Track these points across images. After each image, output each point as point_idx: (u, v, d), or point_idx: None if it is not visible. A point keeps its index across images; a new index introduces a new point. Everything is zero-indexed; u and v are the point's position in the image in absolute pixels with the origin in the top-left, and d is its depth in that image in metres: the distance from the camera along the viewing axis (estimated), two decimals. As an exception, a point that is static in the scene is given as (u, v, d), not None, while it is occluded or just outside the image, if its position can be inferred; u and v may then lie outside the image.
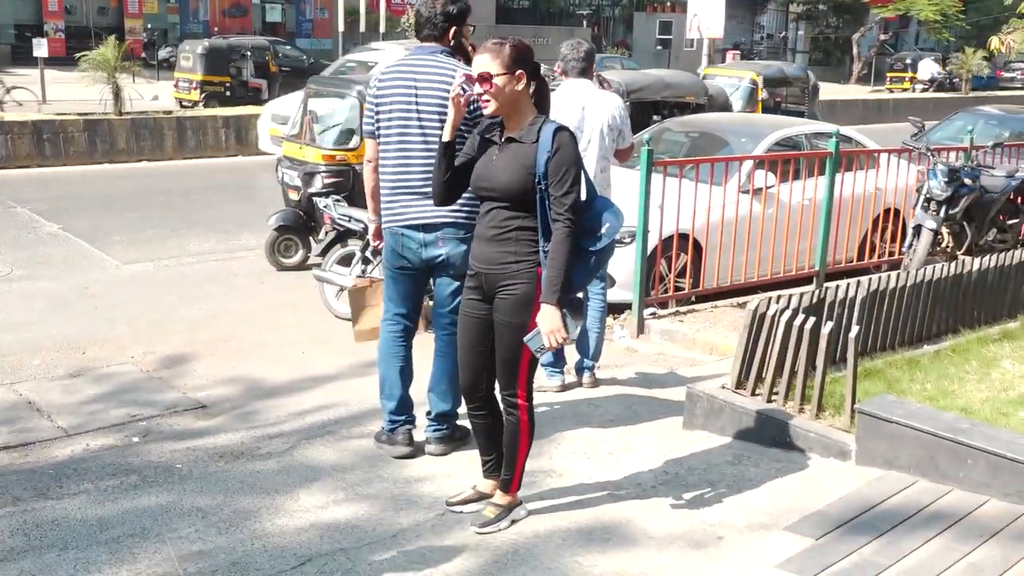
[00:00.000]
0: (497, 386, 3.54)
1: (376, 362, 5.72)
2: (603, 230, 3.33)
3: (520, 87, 3.28)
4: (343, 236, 7.12)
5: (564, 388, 5.26)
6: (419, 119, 3.95)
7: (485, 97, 3.25)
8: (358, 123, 8.17)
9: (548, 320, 3.22)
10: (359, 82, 8.47)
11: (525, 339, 3.28)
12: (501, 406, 3.56)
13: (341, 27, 24.11)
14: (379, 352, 4.28)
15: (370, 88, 4.14)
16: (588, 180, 3.37)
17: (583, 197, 3.32)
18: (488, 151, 3.39)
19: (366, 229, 6.85)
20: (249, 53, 19.84)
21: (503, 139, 3.34)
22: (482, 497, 3.70)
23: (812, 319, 4.44)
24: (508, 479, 3.60)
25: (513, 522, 3.59)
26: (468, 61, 3.97)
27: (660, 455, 4.34)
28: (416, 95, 3.95)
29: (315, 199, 7.84)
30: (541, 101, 3.37)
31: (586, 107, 5.13)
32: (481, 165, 3.38)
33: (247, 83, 19.60)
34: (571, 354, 5.55)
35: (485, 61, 3.25)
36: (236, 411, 5.13)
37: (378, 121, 4.08)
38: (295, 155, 8.47)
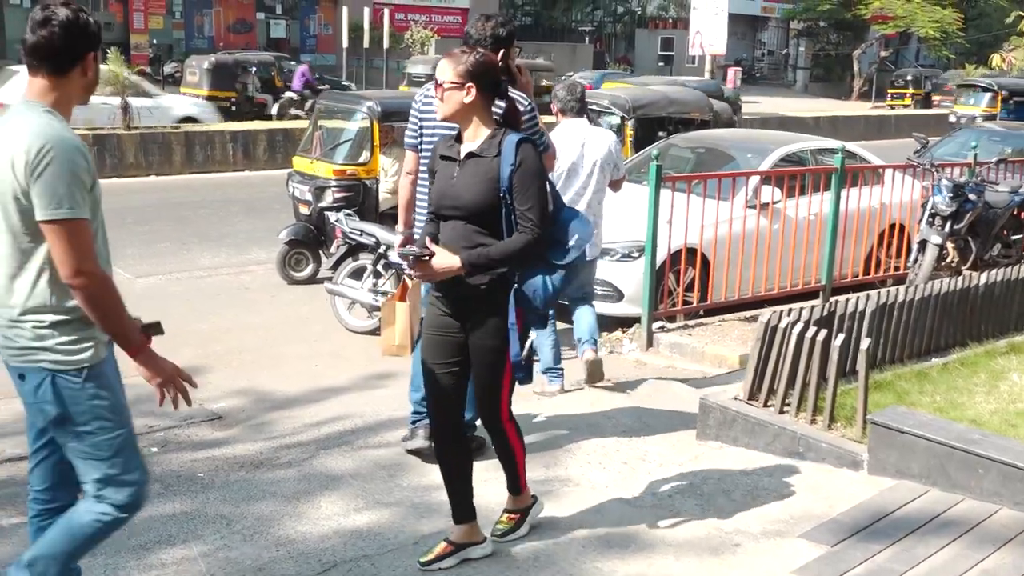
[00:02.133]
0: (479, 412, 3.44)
1: (389, 373, 5.80)
2: (571, 242, 3.25)
3: (468, 100, 3.19)
4: (354, 250, 7.21)
5: (564, 391, 5.41)
6: None
7: (436, 103, 3.28)
8: (369, 139, 8.29)
9: (442, 262, 3.13)
10: (369, 99, 8.58)
11: (398, 249, 3.26)
12: (482, 433, 3.46)
13: (345, 43, 24.24)
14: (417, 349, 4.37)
15: (415, 102, 4.27)
16: (555, 192, 3.36)
17: (550, 208, 3.25)
18: (446, 168, 3.29)
19: (377, 243, 6.96)
20: (255, 69, 19.98)
21: (463, 155, 3.27)
22: (458, 549, 3.41)
23: (823, 331, 4.51)
24: (516, 485, 3.58)
25: (532, 527, 3.64)
26: (514, 83, 4.05)
27: (675, 465, 4.40)
28: None
29: (326, 213, 7.94)
30: (510, 122, 3.29)
31: (585, 144, 5.53)
32: (442, 183, 3.28)
33: (253, 98, 19.74)
34: (571, 375, 5.63)
35: (443, 66, 3.25)
36: (252, 422, 5.19)
37: (421, 136, 4.19)
38: (306, 169, 8.57)
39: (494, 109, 3.29)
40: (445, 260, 3.16)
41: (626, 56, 45.58)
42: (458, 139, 3.32)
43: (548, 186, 3.29)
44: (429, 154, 4.16)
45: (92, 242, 2.53)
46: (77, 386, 2.57)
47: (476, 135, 3.27)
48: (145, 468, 2.76)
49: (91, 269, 2.50)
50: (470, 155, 3.25)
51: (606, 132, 5.82)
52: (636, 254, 6.95)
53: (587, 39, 42.08)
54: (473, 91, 3.21)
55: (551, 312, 5.62)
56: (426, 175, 4.16)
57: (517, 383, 3.35)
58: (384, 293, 6.74)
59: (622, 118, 10.39)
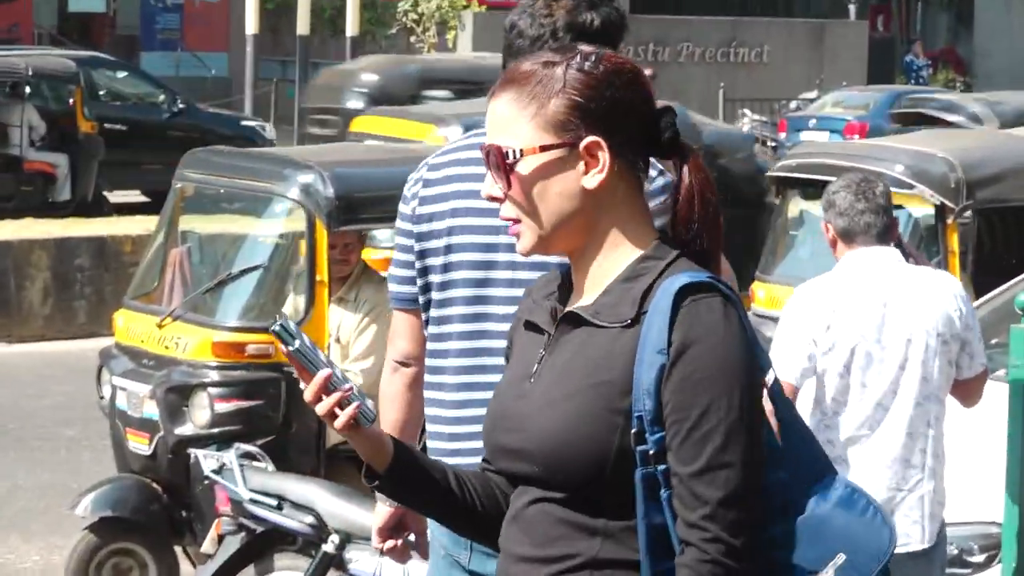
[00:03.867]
0: None
1: None
2: (829, 571, 3.14)
3: (596, 181, 3.11)
4: (261, 545, 7.31)
5: None
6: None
7: (506, 211, 3.16)
8: (307, 265, 8.45)
9: None
10: (306, 164, 8.75)
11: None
12: None
13: (251, 26, 25.07)
14: None
15: (406, 200, 4.50)
16: (770, 432, 3.10)
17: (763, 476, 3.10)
18: (526, 352, 3.33)
19: (319, 528, 7.03)
20: (25, 87, 20.68)
21: (558, 317, 3.23)
22: None
23: None
24: None
25: None
26: None
27: None
28: None
29: (195, 454, 8.06)
30: (688, 234, 3.18)
31: (891, 303, 5.81)
32: (508, 390, 3.35)
33: (19, 163, 20.30)
34: None
35: (502, 116, 3.19)
36: None
37: (427, 273, 4.41)
38: (146, 344, 8.75)
39: (651, 201, 3.29)
40: None
41: (952, 48, 46.44)
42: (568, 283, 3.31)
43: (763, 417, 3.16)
44: (447, 313, 4.38)
45: None
46: None
47: (601, 269, 3.22)
48: None
49: None
50: (571, 320, 3.21)
51: (940, 276, 6.25)
52: (978, 555, 6.95)
53: (852, 8, 43.04)
54: (605, 155, 3.14)
55: None
56: (453, 360, 4.39)
57: None
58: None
59: (940, 209, 10.46)
